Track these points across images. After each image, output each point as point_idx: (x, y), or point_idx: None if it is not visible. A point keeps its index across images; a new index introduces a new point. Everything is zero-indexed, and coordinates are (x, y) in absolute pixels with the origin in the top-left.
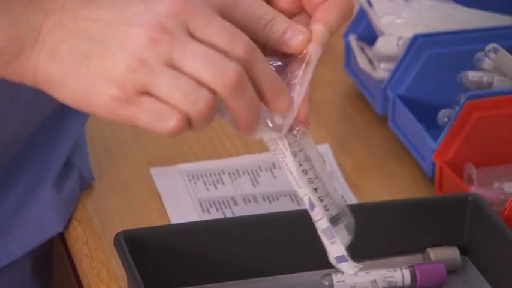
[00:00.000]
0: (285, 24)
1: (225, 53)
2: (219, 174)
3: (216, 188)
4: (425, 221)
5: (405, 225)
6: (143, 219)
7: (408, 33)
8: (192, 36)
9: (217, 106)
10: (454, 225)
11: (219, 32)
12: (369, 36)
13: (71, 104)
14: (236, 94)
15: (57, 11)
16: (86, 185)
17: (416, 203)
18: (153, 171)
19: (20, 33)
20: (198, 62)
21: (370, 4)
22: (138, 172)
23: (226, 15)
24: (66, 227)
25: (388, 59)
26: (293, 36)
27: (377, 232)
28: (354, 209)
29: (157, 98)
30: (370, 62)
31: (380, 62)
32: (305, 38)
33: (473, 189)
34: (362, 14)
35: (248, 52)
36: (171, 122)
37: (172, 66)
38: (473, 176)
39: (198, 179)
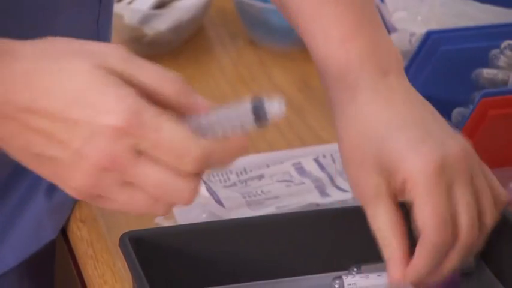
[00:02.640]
0: None
1: (175, 171)
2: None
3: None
4: None
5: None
6: (149, 220)
7: (421, 30)
8: (143, 154)
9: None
10: None
11: (167, 153)
12: None
13: None
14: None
15: (1, 101)
16: None
17: None
18: None
19: None
20: (150, 189)
21: (382, 0)
22: None
23: None
24: (70, 228)
25: (400, 55)
26: None
27: None
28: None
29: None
30: None
31: None
32: None
33: None
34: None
35: (198, 167)
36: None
37: (129, 183)
38: None
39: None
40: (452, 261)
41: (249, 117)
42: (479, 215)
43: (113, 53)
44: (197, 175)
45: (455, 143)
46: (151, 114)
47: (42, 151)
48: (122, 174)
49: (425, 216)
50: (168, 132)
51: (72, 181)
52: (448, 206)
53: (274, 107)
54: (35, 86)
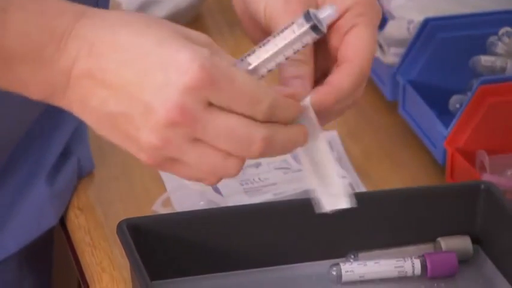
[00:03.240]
0: None
1: (249, 119)
2: None
3: None
4: (436, 210)
5: (415, 214)
6: (146, 208)
7: (419, 17)
8: (214, 106)
9: None
10: (465, 213)
11: (241, 102)
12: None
13: None
14: (265, 155)
15: (85, 56)
16: (85, 173)
17: (427, 191)
18: None
19: (51, 76)
20: (222, 140)
21: None
22: None
23: None
24: (68, 216)
25: (398, 43)
26: None
27: (386, 221)
28: (363, 197)
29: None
30: (380, 46)
31: (390, 46)
32: None
33: (486, 177)
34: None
35: (268, 115)
36: (205, 181)
37: (199, 141)
38: (485, 164)
39: None
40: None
41: (306, 29)
42: None
43: (197, 34)
44: (265, 126)
45: None
46: (223, 68)
47: (115, 107)
48: (192, 129)
49: (365, 44)
50: (241, 82)
51: (143, 139)
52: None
53: (326, 11)
54: (108, 55)
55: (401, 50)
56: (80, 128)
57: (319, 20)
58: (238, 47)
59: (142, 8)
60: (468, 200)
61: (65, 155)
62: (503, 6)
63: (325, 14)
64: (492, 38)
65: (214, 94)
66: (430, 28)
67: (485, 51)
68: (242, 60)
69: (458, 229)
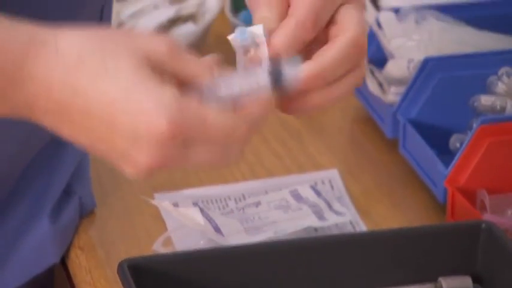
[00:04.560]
0: None
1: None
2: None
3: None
4: (437, 249)
5: (416, 253)
6: (147, 247)
7: (419, 56)
8: (190, 145)
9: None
10: (466, 253)
11: (215, 138)
12: (379, 59)
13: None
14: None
15: (44, 99)
16: (86, 211)
17: (427, 230)
18: (158, 196)
19: (15, 108)
20: (206, 165)
21: (380, 26)
22: (142, 197)
23: None
24: (69, 255)
25: (398, 82)
26: None
27: (388, 260)
28: (364, 236)
29: None
30: (380, 85)
31: (390, 85)
32: None
33: (486, 217)
34: (372, 37)
35: (246, 139)
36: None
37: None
38: (486, 203)
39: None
40: None
41: (266, 80)
42: None
43: (157, 47)
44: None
45: None
46: (192, 112)
47: (92, 146)
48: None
49: (355, 18)
50: (213, 120)
51: (131, 166)
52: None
53: (292, 68)
54: (75, 86)
55: (401, 89)
56: (81, 166)
57: (284, 77)
58: None
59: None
60: (469, 239)
61: (67, 193)
62: (503, 46)
63: (291, 73)
64: (492, 78)
65: (188, 139)
66: (430, 67)
67: (485, 90)
68: (210, 88)
69: (459, 268)
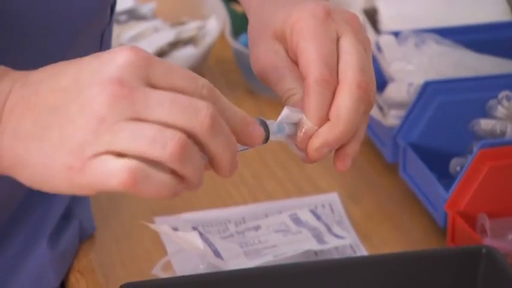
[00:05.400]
0: None
1: (191, 95)
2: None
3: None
4: (437, 274)
5: (417, 277)
6: (147, 270)
7: (419, 80)
8: (154, 86)
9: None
10: (467, 278)
11: (181, 77)
12: (379, 83)
13: (34, 186)
14: (214, 132)
15: (18, 87)
16: (86, 235)
17: (428, 254)
18: (158, 220)
19: None
20: (166, 108)
21: (379, 50)
22: (142, 221)
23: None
24: (69, 279)
25: (398, 105)
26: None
27: (388, 284)
28: (364, 260)
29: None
30: (380, 108)
31: (390, 108)
32: None
33: (487, 241)
34: (372, 60)
35: (211, 91)
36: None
37: (137, 119)
38: (486, 227)
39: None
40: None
41: None
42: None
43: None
44: (210, 103)
45: (344, 9)
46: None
47: (52, 108)
48: (131, 104)
49: (310, 54)
50: (180, 68)
51: (77, 129)
52: (333, 49)
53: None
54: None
55: (401, 113)
56: None
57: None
58: (239, 107)
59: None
60: (469, 264)
61: (67, 217)
62: (503, 70)
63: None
64: (492, 102)
65: (154, 72)
66: (430, 91)
67: (485, 114)
68: None
69: None
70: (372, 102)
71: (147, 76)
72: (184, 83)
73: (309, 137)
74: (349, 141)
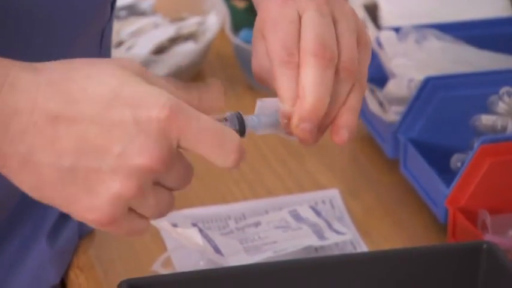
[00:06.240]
0: None
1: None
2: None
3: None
4: (437, 270)
5: (417, 273)
6: (147, 268)
7: (420, 76)
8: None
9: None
10: (467, 274)
11: (210, 137)
12: (380, 79)
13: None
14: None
15: (29, 109)
16: (86, 232)
17: (428, 250)
18: None
19: None
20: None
21: (380, 46)
22: None
23: None
24: (68, 275)
25: (399, 101)
26: None
27: (388, 281)
28: (365, 256)
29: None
30: (381, 104)
31: (391, 104)
32: None
33: (488, 237)
34: (372, 56)
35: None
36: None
37: (158, 183)
38: (487, 223)
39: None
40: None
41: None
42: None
43: (130, 64)
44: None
45: None
46: (186, 105)
47: (75, 162)
48: (160, 173)
49: (270, 41)
50: (207, 119)
51: (108, 191)
52: (292, 29)
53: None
54: (63, 93)
55: (402, 108)
56: None
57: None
58: (239, 103)
59: (143, 67)
60: (470, 260)
61: (66, 214)
62: (504, 65)
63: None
64: (493, 97)
65: (185, 132)
66: (430, 87)
67: (486, 110)
68: None
69: None
70: (348, 68)
71: (181, 138)
72: (213, 143)
73: (289, 118)
74: (339, 112)
